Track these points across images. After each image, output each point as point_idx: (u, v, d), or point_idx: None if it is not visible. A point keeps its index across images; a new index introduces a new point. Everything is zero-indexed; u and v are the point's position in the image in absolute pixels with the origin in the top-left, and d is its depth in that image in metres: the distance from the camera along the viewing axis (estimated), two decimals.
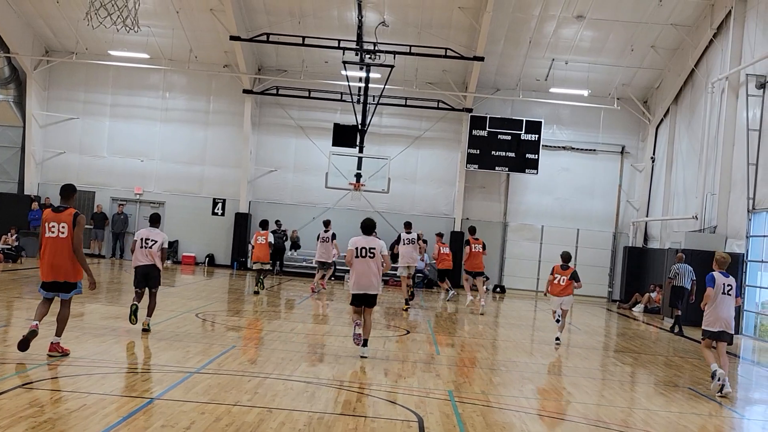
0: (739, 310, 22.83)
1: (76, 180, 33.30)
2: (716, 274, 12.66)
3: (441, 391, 10.98)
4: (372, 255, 13.16)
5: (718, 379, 12.26)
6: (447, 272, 25.54)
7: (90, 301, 18.12)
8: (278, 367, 11.76)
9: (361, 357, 13.05)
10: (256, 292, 23.19)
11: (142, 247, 14.23)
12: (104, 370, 10.62)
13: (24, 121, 33.23)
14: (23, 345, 10.93)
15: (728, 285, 12.63)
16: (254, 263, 23.66)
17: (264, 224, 23.63)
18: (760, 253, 22.84)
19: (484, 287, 23.46)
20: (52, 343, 11.18)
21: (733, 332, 12.87)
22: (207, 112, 34.04)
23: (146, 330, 14.06)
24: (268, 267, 23.81)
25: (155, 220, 14.77)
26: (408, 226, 23.39)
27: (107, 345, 12.42)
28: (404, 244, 22.96)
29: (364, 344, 13.21)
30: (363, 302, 13.24)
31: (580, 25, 28.67)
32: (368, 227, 13.53)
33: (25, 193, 33.14)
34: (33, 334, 11.00)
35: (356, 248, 13.19)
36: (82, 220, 11.28)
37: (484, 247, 22.95)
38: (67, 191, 11.47)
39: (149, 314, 14.27)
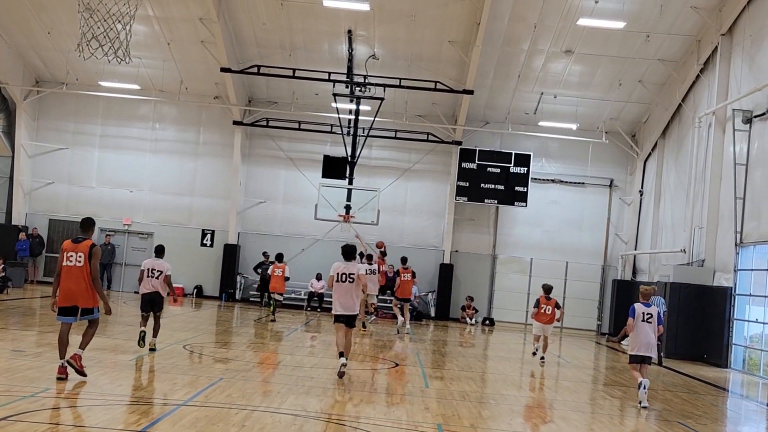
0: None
1: (65, 210, 33.43)
2: (637, 305, 14.48)
3: (430, 424, 10.92)
4: (352, 280, 14.18)
5: (644, 388, 13.89)
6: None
7: (76, 332, 17.99)
8: (266, 399, 11.69)
9: (342, 366, 14.01)
10: (273, 320, 24.91)
11: (148, 276, 15.76)
12: (90, 402, 10.53)
13: (13, 151, 33.17)
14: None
15: (648, 314, 14.40)
16: (271, 293, 25.61)
17: (280, 257, 25.67)
18: (747, 287, 22.89)
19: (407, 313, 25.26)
20: (75, 354, 11.84)
21: (654, 355, 14.59)
22: (197, 143, 34.04)
23: (153, 350, 15.52)
24: (281, 298, 25.85)
25: (160, 252, 16.23)
26: (369, 258, 24.51)
27: (93, 377, 12.31)
28: (365, 273, 23.82)
29: (342, 355, 14.22)
30: (343, 322, 14.25)
31: (568, 59, 28.88)
32: (349, 253, 14.49)
33: (13, 223, 33.00)
34: (64, 377, 11.72)
35: (336, 274, 14.21)
36: (97, 251, 12.03)
37: (414, 276, 25.18)
38: (86, 224, 12.33)
39: (155, 335, 15.84)
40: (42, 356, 13.85)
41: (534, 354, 19.20)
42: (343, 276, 14.17)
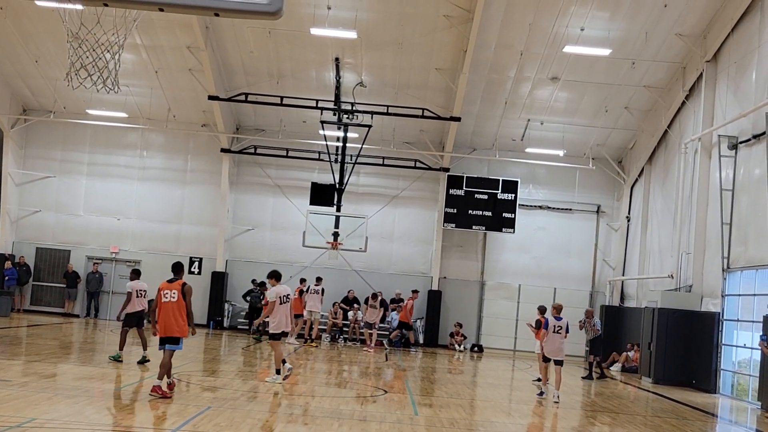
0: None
1: (52, 238, 33.31)
2: (550, 318, 18.18)
3: None
4: (288, 300, 16.86)
5: (544, 394, 18.28)
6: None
7: (63, 362, 17.91)
8: (254, 428, 11.62)
9: (289, 370, 16.63)
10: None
11: (137, 296, 18.70)
12: None
13: (0, 179, 33.06)
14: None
15: (558, 326, 18.10)
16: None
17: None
18: (735, 312, 22.93)
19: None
20: (153, 385, 13.75)
21: (563, 358, 18.20)
22: (184, 170, 34.00)
23: (147, 360, 17.96)
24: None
25: (139, 274, 19.30)
26: (318, 280, 29.47)
27: (80, 406, 12.23)
28: (310, 293, 29.10)
29: (284, 362, 16.74)
30: (282, 337, 17.09)
31: (554, 86, 29.05)
32: (279, 277, 17.35)
33: None
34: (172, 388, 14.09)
35: (279, 296, 16.68)
36: (189, 289, 14.27)
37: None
38: (177, 267, 14.58)
39: (145, 348, 18.41)
40: (28, 386, 13.75)
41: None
42: (284, 297, 16.73)
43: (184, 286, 14.14)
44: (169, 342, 14.00)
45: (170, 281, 14.26)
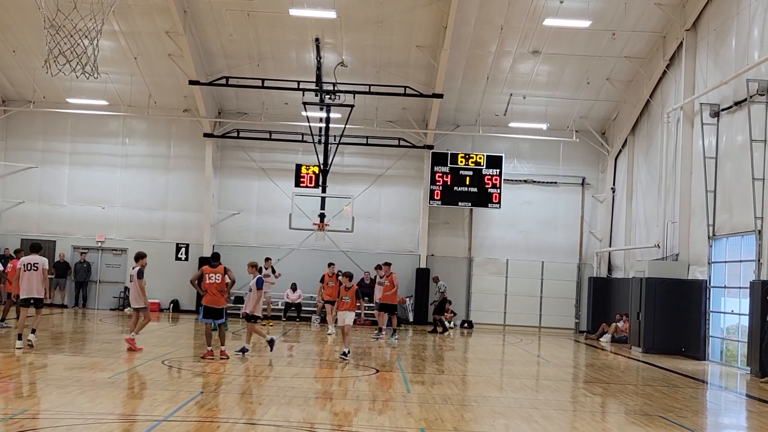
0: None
1: (37, 229, 33.16)
2: (262, 277, 19.60)
3: (413, 429, 10.91)
4: (35, 268, 17.46)
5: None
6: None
7: (53, 352, 17.86)
8: (247, 411, 11.63)
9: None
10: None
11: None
12: (69, 421, 10.43)
13: None
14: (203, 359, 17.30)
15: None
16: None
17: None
18: (722, 279, 23.07)
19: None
20: (221, 350, 17.42)
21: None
22: (168, 157, 33.87)
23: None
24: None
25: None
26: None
27: (71, 396, 12.19)
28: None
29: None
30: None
31: (536, 60, 29.02)
32: (32, 250, 17.89)
33: None
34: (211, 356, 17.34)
35: (24, 264, 17.53)
36: (231, 273, 17.89)
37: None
38: (217, 256, 18.46)
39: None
40: (19, 377, 13.70)
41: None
42: (31, 266, 17.48)
43: (226, 270, 17.63)
44: (216, 316, 17.46)
45: (212, 266, 17.55)
